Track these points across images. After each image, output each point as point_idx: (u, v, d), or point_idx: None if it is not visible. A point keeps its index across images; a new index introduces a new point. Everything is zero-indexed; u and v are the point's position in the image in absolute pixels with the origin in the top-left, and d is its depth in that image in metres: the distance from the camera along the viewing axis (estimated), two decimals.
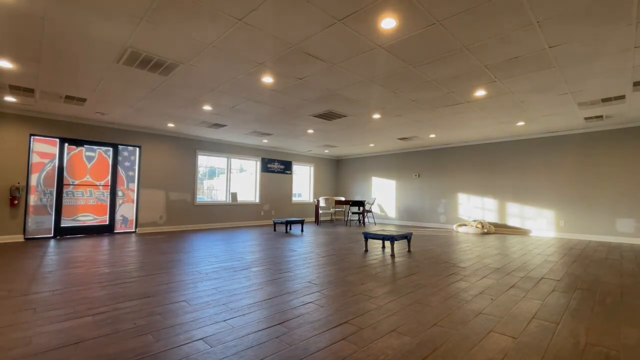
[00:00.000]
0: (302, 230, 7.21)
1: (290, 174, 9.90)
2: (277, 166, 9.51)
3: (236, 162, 8.74)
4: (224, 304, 2.39)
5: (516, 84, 3.93)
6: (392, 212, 9.75)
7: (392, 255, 4.34)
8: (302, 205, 10.26)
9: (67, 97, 4.64)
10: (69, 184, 6.01)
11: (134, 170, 6.77)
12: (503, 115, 5.39)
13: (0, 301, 2.39)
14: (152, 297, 2.53)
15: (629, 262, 4.04)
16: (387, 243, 5.44)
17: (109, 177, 6.46)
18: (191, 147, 7.63)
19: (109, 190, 6.43)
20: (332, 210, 9.55)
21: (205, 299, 2.49)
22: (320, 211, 9.82)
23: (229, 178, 8.47)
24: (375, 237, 4.54)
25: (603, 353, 1.69)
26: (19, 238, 5.40)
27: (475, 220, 7.50)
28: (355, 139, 7.77)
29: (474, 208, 7.97)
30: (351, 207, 10.92)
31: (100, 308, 2.27)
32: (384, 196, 9.97)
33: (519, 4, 2.35)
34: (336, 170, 11.54)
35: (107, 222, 6.39)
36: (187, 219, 7.51)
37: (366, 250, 4.73)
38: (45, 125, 5.69)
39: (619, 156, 6.03)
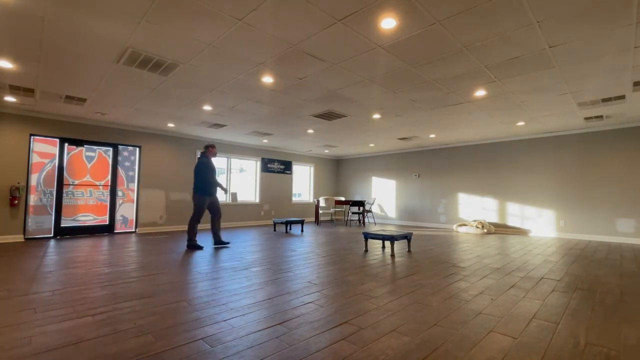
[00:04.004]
0: (302, 230, 7.21)
1: (290, 174, 9.90)
2: (277, 166, 9.50)
3: (236, 162, 8.74)
4: (224, 304, 2.39)
5: (516, 84, 3.93)
6: (392, 212, 9.75)
7: (392, 255, 4.34)
8: (302, 205, 10.26)
9: (67, 97, 4.64)
10: (69, 184, 6.01)
11: (134, 170, 6.77)
12: (503, 115, 5.39)
13: (0, 301, 2.39)
14: (152, 297, 2.53)
15: (629, 262, 4.04)
16: (387, 243, 5.43)
17: (109, 177, 6.46)
18: (191, 147, 7.63)
19: (109, 190, 6.43)
20: (332, 210, 9.55)
21: (205, 299, 2.49)
22: (320, 211, 9.82)
23: (229, 178, 8.47)
24: (375, 237, 4.54)
25: (603, 353, 1.69)
26: (19, 238, 5.40)
27: (475, 220, 7.50)
28: (355, 139, 7.77)
29: (474, 208, 7.97)
30: (351, 207, 10.92)
31: (100, 308, 2.27)
32: (384, 196, 9.96)
33: (519, 4, 2.35)
34: (336, 170, 11.54)
35: (107, 222, 6.39)
36: (187, 219, 7.50)
37: (366, 250, 4.72)
38: (45, 125, 5.69)
39: (619, 156, 6.02)
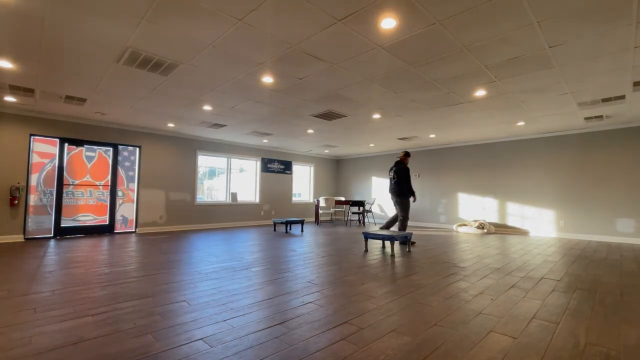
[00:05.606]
0: (302, 230, 7.21)
1: (290, 174, 9.90)
2: (277, 166, 9.50)
3: (236, 162, 8.74)
4: (224, 304, 2.39)
5: (516, 84, 3.93)
6: (392, 212, 9.74)
7: (392, 255, 4.34)
8: (302, 205, 10.26)
9: (67, 97, 4.64)
10: (69, 184, 6.01)
11: (134, 170, 6.77)
12: (503, 115, 5.39)
13: (0, 301, 2.39)
14: (152, 297, 2.53)
15: (629, 262, 4.04)
16: (387, 243, 5.44)
17: (109, 177, 6.46)
18: (191, 147, 7.63)
19: (109, 190, 6.44)
20: (332, 210, 9.55)
21: (205, 299, 2.49)
22: (320, 211, 9.81)
23: (229, 178, 8.47)
24: (375, 237, 4.54)
25: (603, 353, 1.69)
26: (19, 238, 5.40)
27: (475, 220, 7.50)
28: (355, 139, 7.77)
29: (474, 208, 7.97)
30: (351, 207, 10.92)
31: (100, 308, 2.27)
32: (384, 196, 9.96)
33: (519, 3, 2.35)
34: (336, 170, 11.54)
35: (107, 222, 6.39)
36: (187, 219, 7.50)
37: (366, 250, 4.72)
38: (45, 125, 5.69)
39: (619, 156, 6.02)
